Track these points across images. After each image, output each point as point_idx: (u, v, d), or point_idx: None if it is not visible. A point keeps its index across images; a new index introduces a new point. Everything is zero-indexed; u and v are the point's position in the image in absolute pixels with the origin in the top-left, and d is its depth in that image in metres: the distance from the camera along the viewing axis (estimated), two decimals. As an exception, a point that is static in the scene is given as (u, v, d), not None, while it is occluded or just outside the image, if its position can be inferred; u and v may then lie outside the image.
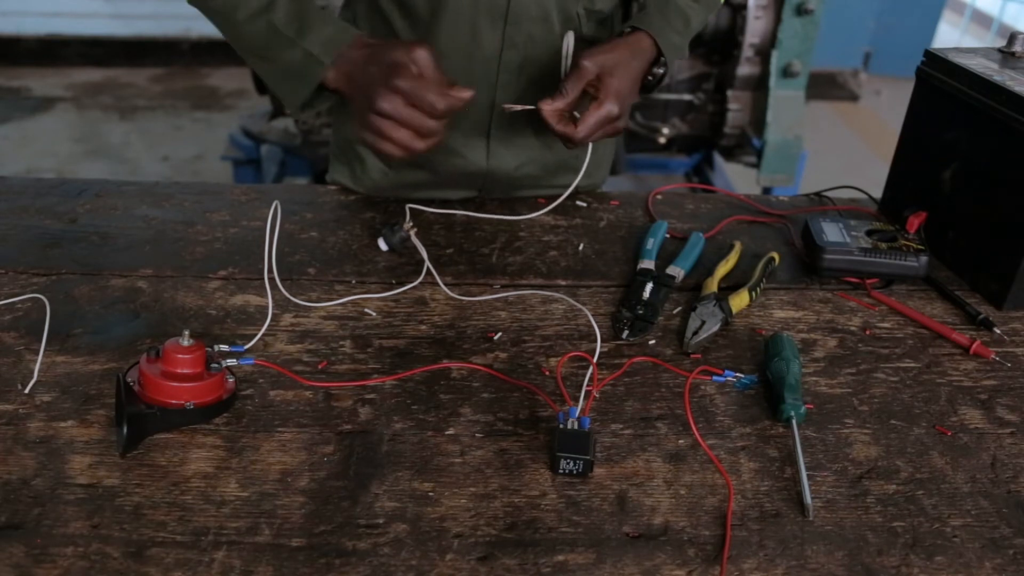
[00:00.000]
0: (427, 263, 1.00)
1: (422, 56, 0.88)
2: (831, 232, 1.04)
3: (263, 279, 0.93)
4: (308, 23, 0.94)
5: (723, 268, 1.01)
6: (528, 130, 1.15)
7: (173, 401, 0.74)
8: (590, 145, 1.11)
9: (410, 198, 1.16)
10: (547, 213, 1.15)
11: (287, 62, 0.95)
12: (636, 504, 0.71)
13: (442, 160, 1.15)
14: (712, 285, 0.97)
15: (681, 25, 1.07)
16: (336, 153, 1.25)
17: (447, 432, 0.77)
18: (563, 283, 1.01)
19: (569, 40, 1.04)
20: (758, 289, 0.97)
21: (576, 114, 1.00)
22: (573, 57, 1.02)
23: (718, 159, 3.11)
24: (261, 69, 1.01)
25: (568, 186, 1.15)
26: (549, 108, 0.97)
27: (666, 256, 1.04)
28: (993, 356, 0.90)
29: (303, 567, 0.64)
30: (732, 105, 2.74)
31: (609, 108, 0.98)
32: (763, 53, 2.64)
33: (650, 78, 1.07)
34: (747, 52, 2.64)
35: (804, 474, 0.73)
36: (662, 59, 1.06)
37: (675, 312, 0.96)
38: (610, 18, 1.15)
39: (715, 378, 0.85)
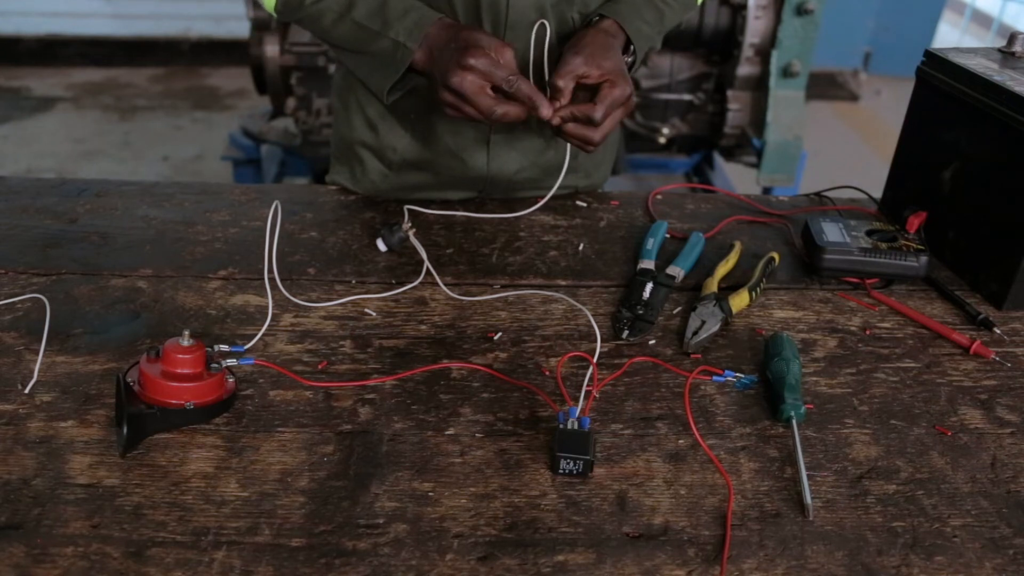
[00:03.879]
0: (427, 263, 1.00)
1: (506, 53, 0.94)
2: (831, 232, 1.04)
3: (263, 279, 0.93)
4: (390, 14, 0.98)
5: (723, 268, 1.01)
6: (529, 134, 1.14)
7: (173, 401, 0.74)
8: (568, 145, 1.09)
9: (410, 199, 1.16)
10: (547, 213, 1.15)
11: (377, 52, 0.99)
12: (636, 504, 0.71)
13: (443, 164, 1.15)
14: (712, 285, 0.97)
15: (652, 16, 1.06)
16: (336, 154, 1.25)
17: (447, 432, 0.77)
18: (563, 283, 1.01)
19: (545, 29, 1.01)
20: (758, 289, 0.97)
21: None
22: (559, 55, 0.99)
23: (718, 159, 3.11)
24: (355, 63, 1.06)
25: (567, 186, 1.15)
26: (550, 114, 0.95)
27: (666, 256, 1.04)
28: (993, 356, 0.90)
29: (303, 567, 0.64)
30: (732, 105, 2.74)
31: (622, 88, 0.97)
32: (763, 53, 2.64)
33: None
34: (747, 52, 2.64)
35: (804, 474, 0.73)
36: (632, 48, 1.04)
37: (675, 312, 0.96)
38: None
39: (715, 378, 0.85)
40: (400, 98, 1.05)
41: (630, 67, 1.07)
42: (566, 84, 0.97)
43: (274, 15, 1.06)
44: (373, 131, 1.16)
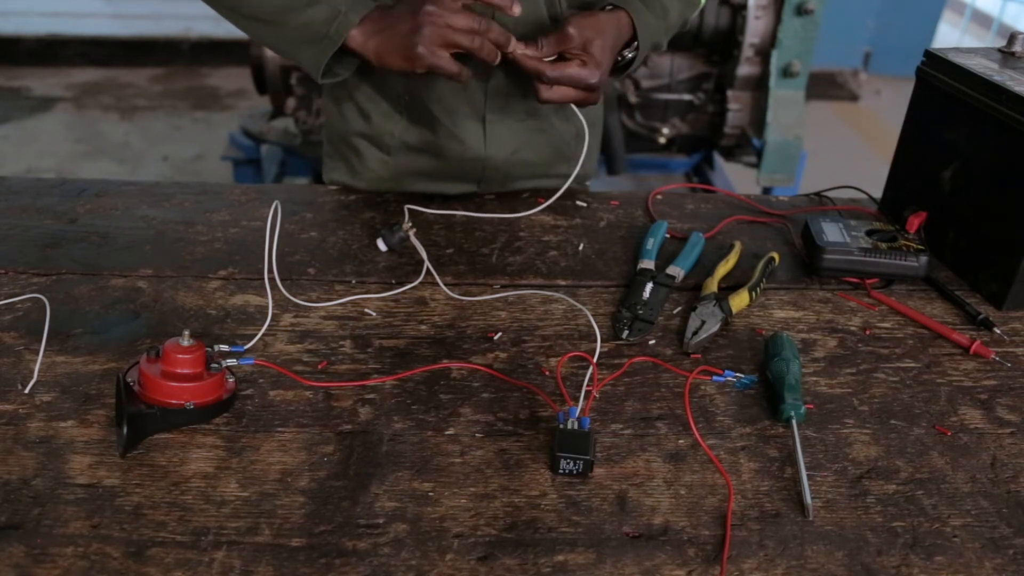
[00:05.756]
0: (427, 263, 1.00)
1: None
2: (831, 232, 1.04)
3: (263, 279, 0.93)
4: None
5: (723, 268, 1.01)
6: (524, 115, 1.15)
7: (173, 401, 0.74)
8: (586, 138, 1.11)
9: (409, 191, 1.16)
10: (547, 213, 1.15)
11: (306, 22, 0.96)
12: (636, 504, 0.71)
13: (441, 145, 1.15)
14: (712, 285, 0.97)
15: (659, 12, 1.07)
16: (330, 152, 1.24)
17: (447, 432, 0.77)
18: (563, 283, 1.01)
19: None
20: (758, 289, 0.97)
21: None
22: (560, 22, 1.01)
23: (718, 159, 3.11)
24: (275, 36, 1.01)
25: (564, 176, 1.15)
26: (520, 52, 0.97)
27: (666, 256, 1.04)
28: (993, 356, 0.90)
29: (303, 567, 0.64)
30: (732, 105, 2.74)
31: (590, 73, 0.98)
32: (763, 53, 2.64)
33: (619, 59, 1.06)
34: (747, 52, 2.64)
35: (804, 474, 0.73)
36: (635, 43, 1.05)
37: (675, 312, 0.96)
38: (590, 3, 1.13)
39: (715, 378, 0.85)
40: (388, 80, 1.05)
41: (630, 62, 1.07)
42: (549, 47, 0.97)
43: None
44: (366, 120, 1.16)
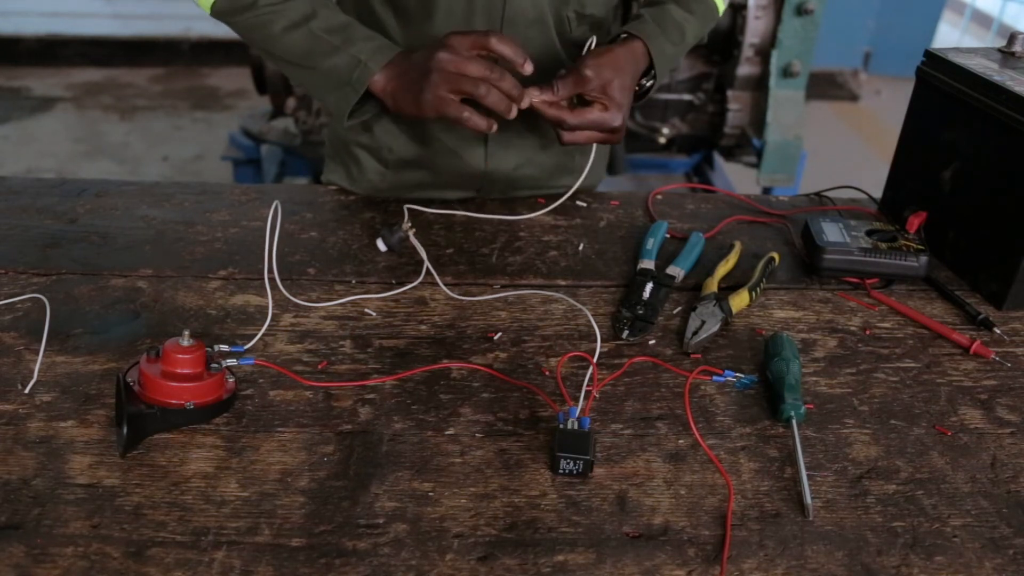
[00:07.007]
0: (427, 263, 1.00)
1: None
2: (831, 232, 1.04)
3: (263, 279, 0.93)
4: (352, 35, 0.97)
5: (723, 268, 1.01)
6: (527, 131, 1.14)
7: (173, 401, 0.74)
8: (593, 148, 1.11)
9: (408, 198, 1.16)
10: (547, 213, 1.15)
11: (331, 69, 0.97)
12: (636, 504, 0.71)
13: (440, 161, 1.15)
14: (712, 285, 0.97)
15: (676, 37, 1.07)
16: (331, 154, 1.24)
17: (447, 432, 0.77)
18: (563, 283, 1.01)
19: (591, 43, 1.04)
20: (758, 289, 0.97)
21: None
22: (575, 61, 1.01)
23: (718, 159, 3.11)
24: (303, 79, 1.02)
25: (567, 188, 1.15)
26: (537, 100, 0.97)
27: (666, 256, 1.04)
28: (993, 356, 0.90)
29: (303, 567, 0.64)
30: (732, 105, 2.74)
31: (612, 117, 0.98)
32: (763, 53, 2.64)
33: (637, 88, 1.07)
34: (747, 52, 2.63)
35: (804, 474, 0.73)
36: (652, 71, 1.06)
37: (675, 312, 0.96)
38: (604, 22, 1.14)
39: (715, 378, 0.85)
40: None
41: (648, 91, 1.08)
42: (565, 89, 0.97)
43: (208, 12, 1.01)
44: (368, 131, 1.16)
